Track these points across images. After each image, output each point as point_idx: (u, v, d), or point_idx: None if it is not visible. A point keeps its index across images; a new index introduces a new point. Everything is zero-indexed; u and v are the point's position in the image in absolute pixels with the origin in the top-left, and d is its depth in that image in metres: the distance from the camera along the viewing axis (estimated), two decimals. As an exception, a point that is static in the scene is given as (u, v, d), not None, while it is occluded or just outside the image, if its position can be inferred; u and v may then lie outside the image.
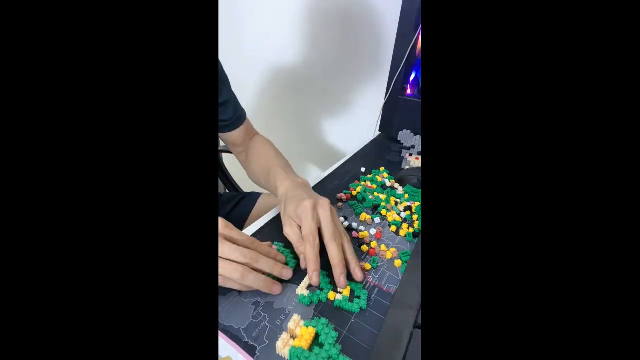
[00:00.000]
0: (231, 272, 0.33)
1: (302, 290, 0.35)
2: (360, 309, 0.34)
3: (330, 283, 0.36)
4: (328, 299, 0.35)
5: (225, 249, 0.33)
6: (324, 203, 0.38)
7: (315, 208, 0.38)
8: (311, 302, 0.35)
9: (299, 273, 0.38)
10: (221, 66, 0.56)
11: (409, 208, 0.50)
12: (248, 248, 0.35)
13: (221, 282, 0.34)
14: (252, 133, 0.63)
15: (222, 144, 0.94)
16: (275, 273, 0.36)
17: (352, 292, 0.36)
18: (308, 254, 0.36)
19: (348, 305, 0.34)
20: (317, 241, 0.37)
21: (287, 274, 0.36)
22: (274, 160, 0.53)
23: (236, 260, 0.33)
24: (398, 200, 0.52)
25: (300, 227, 0.38)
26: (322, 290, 0.36)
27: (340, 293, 0.35)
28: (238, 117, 0.58)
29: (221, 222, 0.35)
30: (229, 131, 0.59)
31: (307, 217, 0.37)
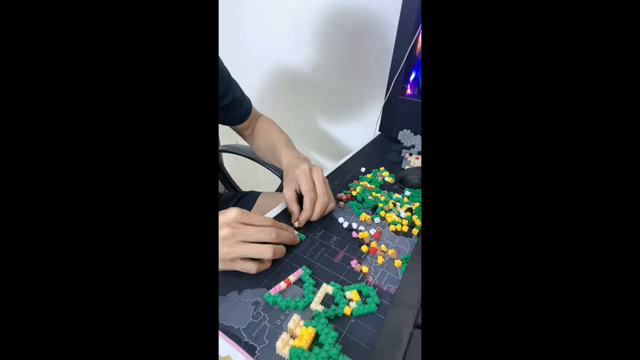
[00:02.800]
0: (262, 252, 0.36)
1: (316, 305, 0.34)
2: (377, 305, 0.34)
3: (344, 297, 0.35)
4: (344, 314, 0.34)
5: (249, 233, 0.36)
6: (318, 169, 0.48)
7: (311, 171, 0.48)
8: (327, 318, 0.32)
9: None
10: (225, 66, 0.59)
11: (409, 210, 0.50)
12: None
13: (240, 267, 0.36)
14: (257, 115, 0.69)
15: (222, 143, 0.94)
16: (294, 243, 0.42)
17: (361, 294, 0.36)
18: (306, 203, 0.46)
19: (366, 309, 0.34)
20: (315, 197, 0.46)
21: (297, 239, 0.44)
22: (279, 137, 0.62)
23: (263, 241, 0.37)
24: (397, 203, 0.52)
25: (296, 191, 0.48)
26: (337, 305, 0.34)
27: (353, 301, 0.35)
28: (246, 107, 0.65)
29: (236, 210, 0.37)
30: (242, 122, 0.65)
31: (305, 177, 0.47)
